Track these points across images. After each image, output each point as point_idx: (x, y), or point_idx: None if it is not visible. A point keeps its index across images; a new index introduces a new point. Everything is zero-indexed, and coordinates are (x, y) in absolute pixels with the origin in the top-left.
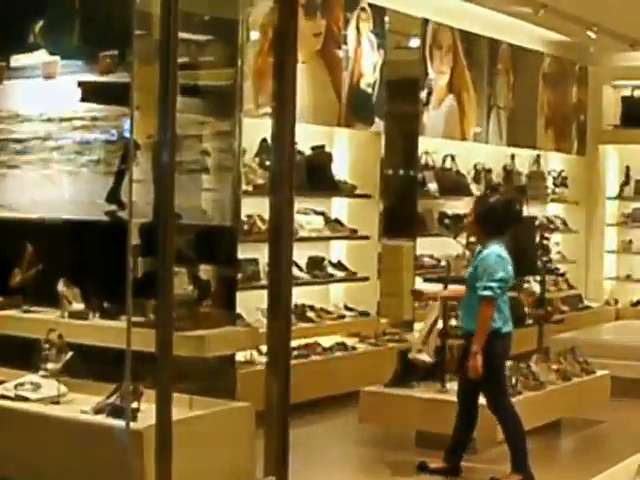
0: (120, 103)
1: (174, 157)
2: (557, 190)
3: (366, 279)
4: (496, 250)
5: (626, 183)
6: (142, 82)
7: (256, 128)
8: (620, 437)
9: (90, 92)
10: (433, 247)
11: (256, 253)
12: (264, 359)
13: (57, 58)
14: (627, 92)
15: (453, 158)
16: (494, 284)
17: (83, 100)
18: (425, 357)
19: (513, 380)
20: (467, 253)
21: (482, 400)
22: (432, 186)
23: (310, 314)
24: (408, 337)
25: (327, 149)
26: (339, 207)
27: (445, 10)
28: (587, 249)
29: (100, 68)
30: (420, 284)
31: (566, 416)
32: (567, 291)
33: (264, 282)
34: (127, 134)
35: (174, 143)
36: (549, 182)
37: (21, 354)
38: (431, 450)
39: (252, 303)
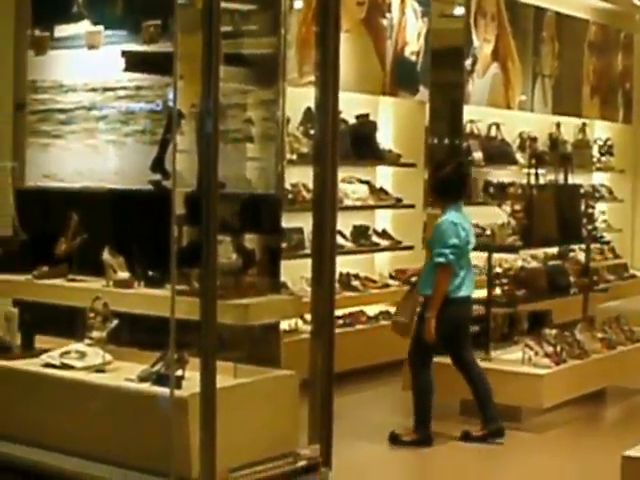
0: (164, 72)
1: (218, 126)
2: (603, 159)
3: (411, 248)
4: (450, 217)
5: None
6: (185, 51)
7: (300, 97)
8: None
9: (134, 62)
10: (478, 216)
11: (300, 222)
12: (308, 328)
13: (101, 28)
14: None
15: (498, 126)
16: (447, 250)
17: (127, 70)
18: (400, 318)
19: (558, 349)
20: (512, 222)
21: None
22: (477, 155)
23: (355, 283)
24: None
25: (371, 118)
26: (384, 176)
27: None
28: (633, 218)
29: (143, 38)
30: None
31: (611, 385)
32: (612, 260)
33: (308, 251)
34: (171, 103)
35: (217, 112)
36: (595, 150)
37: (66, 323)
38: (475, 419)
39: (296, 272)
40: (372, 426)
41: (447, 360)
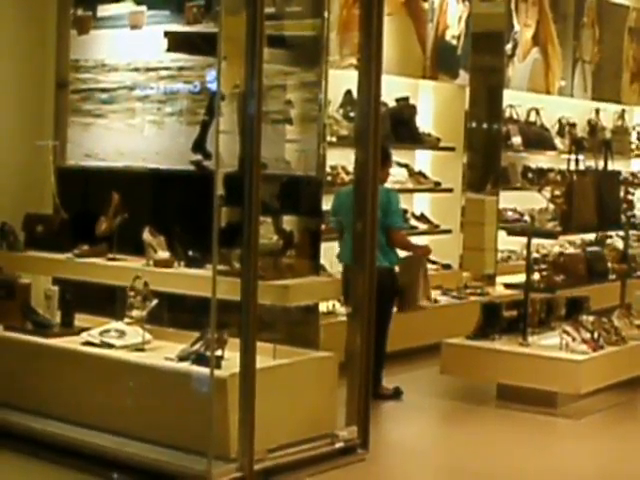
0: (206, 53)
1: (261, 107)
2: None
3: (449, 232)
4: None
5: None
6: (229, 32)
7: (341, 79)
8: None
9: (176, 42)
10: (516, 200)
11: None
12: (345, 310)
13: (144, 8)
14: None
15: (537, 112)
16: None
17: (169, 50)
18: (425, 303)
19: (595, 335)
20: (551, 206)
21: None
22: (516, 140)
23: None
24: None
25: (411, 101)
26: (423, 159)
27: None
28: None
29: (187, 18)
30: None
31: None
32: None
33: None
34: (213, 84)
35: (261, 93)
36: (634, 137)
37: (107, 302)
38: (512, 403)
39: (334, 254)
40: (410, 409)
41: (483, 344)
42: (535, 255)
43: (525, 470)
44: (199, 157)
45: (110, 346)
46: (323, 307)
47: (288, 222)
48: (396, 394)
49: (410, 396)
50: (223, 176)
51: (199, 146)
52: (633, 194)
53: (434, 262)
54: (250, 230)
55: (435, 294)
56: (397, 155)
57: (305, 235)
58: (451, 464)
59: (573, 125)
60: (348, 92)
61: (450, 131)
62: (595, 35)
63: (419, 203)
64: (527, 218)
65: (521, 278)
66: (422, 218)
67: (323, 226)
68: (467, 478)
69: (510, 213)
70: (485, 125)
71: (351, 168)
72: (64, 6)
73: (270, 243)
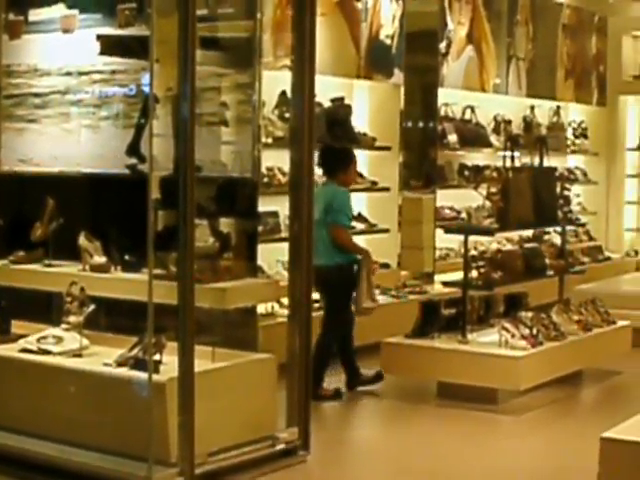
0: (139, 56)
1: (194, 109)
2: (577, 141)
3: (386, 231)
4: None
5: None
6: (161, 35)
7: (275, 80)
8: None
9: (109, 45)
10: (453, 198)
11: (276, 205)
12: (285, 312)
13: (75, 12)
14: None
15: (473, 109)
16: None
17: (102, 53)
18: (369, 304)
19: (534, 331)
20: (487, 204)
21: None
22: (452, 138)
23: None
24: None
25: (346, 101)
26: (359, 159)
27: None
28: (607, 200)
29: (119, 21)
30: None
31: (587, 367)
32: (587, 242)
33: (285, 234)
34: (147, 87)
35: (194, 95)
36: (569, 133)
37: (43, 308)
38: (453, 401)
39: (273, 255)
40: (350, 409)
41: (423, 343)
42: (473, 252)
43: (466, 468)
44: (134, 161)
45: (48, 352)
46: (262, 309)
47: (224, 224)
48: (337, 395)
49: (351, 396)
50: (158, 179)
51: (134, 150)
52: (569, 190)
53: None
54: (186, 233)
55: None
56: None
57: (242, 237)
58: (393, 463)
59: (508, 122)
60: (283, 93)
61: (385, 130)
62: (529, 32)
63: (356, 203)
64: (464, 216)
65: (459, 276)
66: (359, 218)
67: (260, 227)
68: (409, 477)
69: (447, 211)
70: (420, 124)
71: (287, 169)
72: None
73: (206, 246)
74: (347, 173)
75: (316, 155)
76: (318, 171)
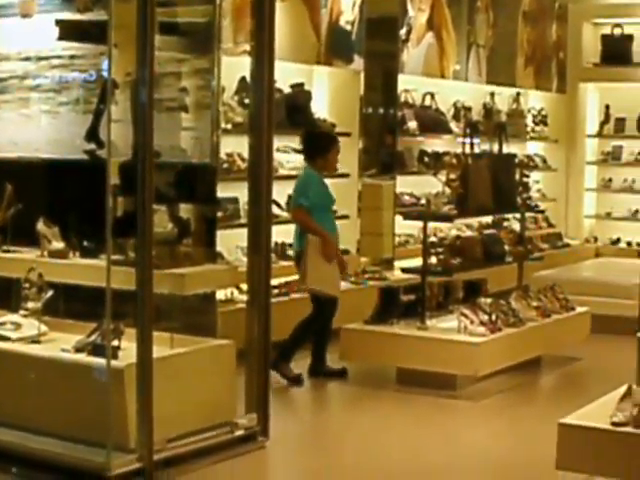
0: (98, 41)
1: (152, 95)
2: (537, 128)
3: (346, 217)
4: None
5: (606, 121)
6: (120, 20)
7: (235, 66)
8: (599, 374)
9: (68, 30)
10: (413, 185)
11: (236, 192)
12: (244, 297)
13: None
14: (607, 30)
15: (433, 96)
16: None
17: (61, 38)
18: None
19: (493, 317)
20: (447, 190)
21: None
22: (412, 124)
23: (290, 252)
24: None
25: (306, 87)
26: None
27: None
28: (567, 187)
29: (78, 6)
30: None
31: (546, 353)
32: (547, 229)
33: (244, 220)
34: (105, 73)
35: (152, 81)
36: (529, 120)
37: (1, 294)
38: (412, 386)
39: (232, 241)
40: (310, 395)
41: (382, 329)
42: (432, 239)
43: (425, 452)
44: (93, 146)
45: (6, 339)
46: (221, 295)
47: (184, 210)
48: (297, 380)
49: (310, 382)
50: (118, 165)
51: (92, 135)
52: (528, 176)
53: None
54: (144, 219)
55: None
56: (293, 141)
57: (201, 223)
58: (351, 449)
59: (468, 109)
60: (243, 79)
61: (345, 116)
62: (489, 19)
63: None
64: (424, 202)
65: (418, 262)
66: None
67: (219, 214)
68: (368, 462)
69: (407, 197)
70: (380, 110)
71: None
72: None
73: (165, 232)
74: (326, 158)
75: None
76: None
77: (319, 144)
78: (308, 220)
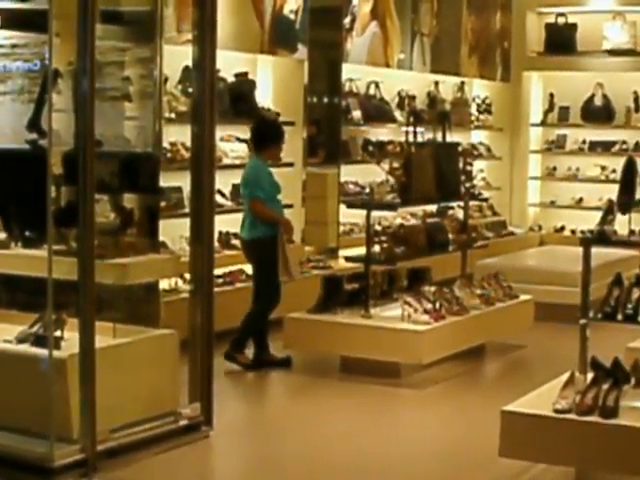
0: (40, 30)
1: (94, 84)
2: (481, 117)
3: (290, 206)
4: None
5: (550, 110)
6: (61, 9)
7: (179, 55)
8: (543, 361)
9: (9, 19)
10: (357, 174)
11: (180, 181)
12: (188, 287)
13: None
14: (551, 19)
15: (377, 85)
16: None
17: (2, 27)
18: (284, 277)
19: (437, 305)
20: (391, 179)
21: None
22: (356, 113)
23: (234, 241)
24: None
25: (250, 76)
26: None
27: None
28: (511, 176)
29: None
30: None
31: (490, 341)
32: (491, 217)
33: (187, 210)
34: (46, 61)
35: (94, 70)
36: (473, 109)
37: None
38: (356, 375)
39: (176, 231)
40: (254, 384)
41: (325, 318)
42: (376, 228)
43: (369, 440)
44: (35, 136)
45: None
46: (165, 284)
47: (127, 200)
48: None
49: (254, 372)
50: (60, 155)
51: (34, 124)
52: (472, 165)
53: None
54: (86, 208)
55: None
56: (237, 130)
57: (144, 213)
58: (296, 437)
59: (412, 98)
60: (186, 68)
61: (290, 106)
62: (433, 8)
63: None
64: (368, 191)
65: (362, 251)
66: None
67: (163, 203)
68: (310, 450)
69: (351, 186)
70: (325, 99)
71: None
72: None
73: (108, 222)
74: (275, 148)
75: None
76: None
77: (270, 134)
78: (267, 211)
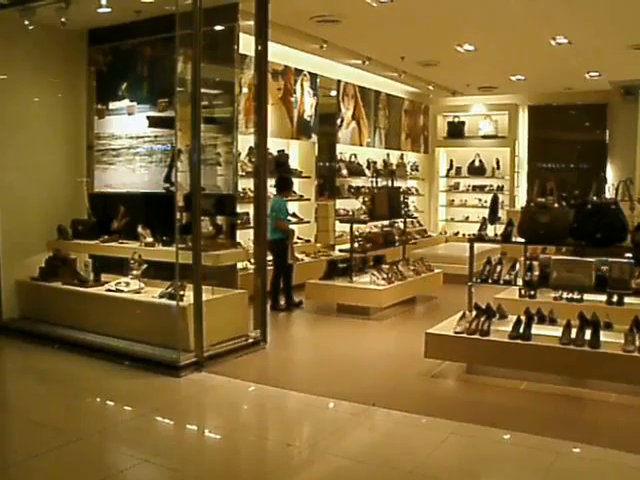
0: (170, 127)
1: (200, 157)
2: (412, 172)
3: (308, 222)
4: (278, 200)
5: (450, 169)
6: (182, 116)
7: (247, 140)
8: (447, 306)
9: (153, 122)
10: (345, 204)
11: (247, 209)
12: (252, 267)
13: (134, 103)
14: (450, 119)
15: (355, 156)
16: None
17: (149, 126)
18: (291, 260)
19: (389, 275)
20: (363, 207)
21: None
22: (344, 171)
23: None
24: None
25: (286, 152)
26: (294, 183)
27: (350, 75)
28: (429, 204)
29: (159, 108)
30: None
31: (418, 294)
32: (418, 227)
33: (252, 225)
34: (174, 144)
35: (199, 149)
36: (408, 168)
37: (118, 266)
38: (345, 314)
39: (246, 236)
40: (290, 319)
41: (333, 283)
42: (356, 233)
43: (353, 347)
44: (167, 185)
45: (121, 291)
46: (240, 265)
47: (218, 219)
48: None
49: (289, 312)
50: (182, 195)
51: (167, 179)
52: (408, 199)
53: (300, 238)
54: (196, 224)
55: (302, 256)
56: None
57: (228, 226)
58: (314, 346)
59: (375, 162)
60: (251, 147)
61: (307, 167)
62: (386, 113)
63: (292, 207)
64: (351, 213)
65: (348, 246)
66: (294, 215)
67: (238, 221)
68: (321, 352)
69: (342, 211)
70: (327, 163)
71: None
72: (90, 101)
73: (208, 232)
74: (289, 191)
75: (273, 180)
76: (272, 189)
77: (286, 184)
78: (283, 225)
